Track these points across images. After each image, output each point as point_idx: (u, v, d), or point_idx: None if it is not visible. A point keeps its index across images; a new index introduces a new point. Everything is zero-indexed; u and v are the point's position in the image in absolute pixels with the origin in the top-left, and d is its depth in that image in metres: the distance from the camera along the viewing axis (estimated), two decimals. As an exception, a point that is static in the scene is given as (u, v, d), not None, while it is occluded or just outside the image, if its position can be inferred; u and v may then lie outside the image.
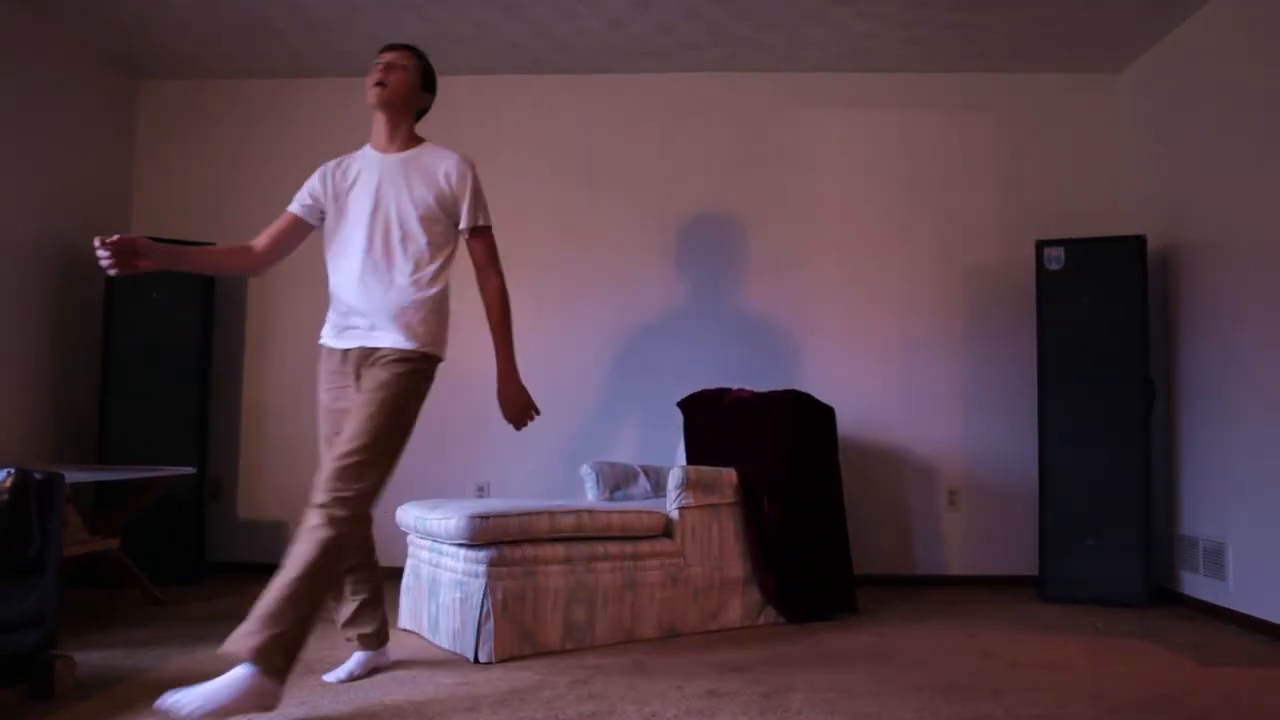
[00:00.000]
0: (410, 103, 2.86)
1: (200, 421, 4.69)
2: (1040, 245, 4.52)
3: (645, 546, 3.58)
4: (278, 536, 4.99)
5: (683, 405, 4.49)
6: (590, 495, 4.27)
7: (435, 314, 2.77)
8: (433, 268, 2.77)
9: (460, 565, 3.30)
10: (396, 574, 3.82)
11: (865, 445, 4.86)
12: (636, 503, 3.96)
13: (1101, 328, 4.37)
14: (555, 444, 4.85)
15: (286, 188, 5.17)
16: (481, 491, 4.91)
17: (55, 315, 4.59)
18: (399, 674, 2.96)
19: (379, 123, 2.86)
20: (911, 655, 3.26)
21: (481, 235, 2.87)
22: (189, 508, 4.61)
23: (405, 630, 3.62)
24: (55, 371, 4.59)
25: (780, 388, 4.33)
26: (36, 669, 2.60)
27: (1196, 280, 4.27)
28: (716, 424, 4.27)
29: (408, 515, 3.63)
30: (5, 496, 2.56)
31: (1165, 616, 4.02)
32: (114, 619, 3.73)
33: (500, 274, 2.90)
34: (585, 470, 4.30)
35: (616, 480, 4.29)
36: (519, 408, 2.87)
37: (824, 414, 4.14)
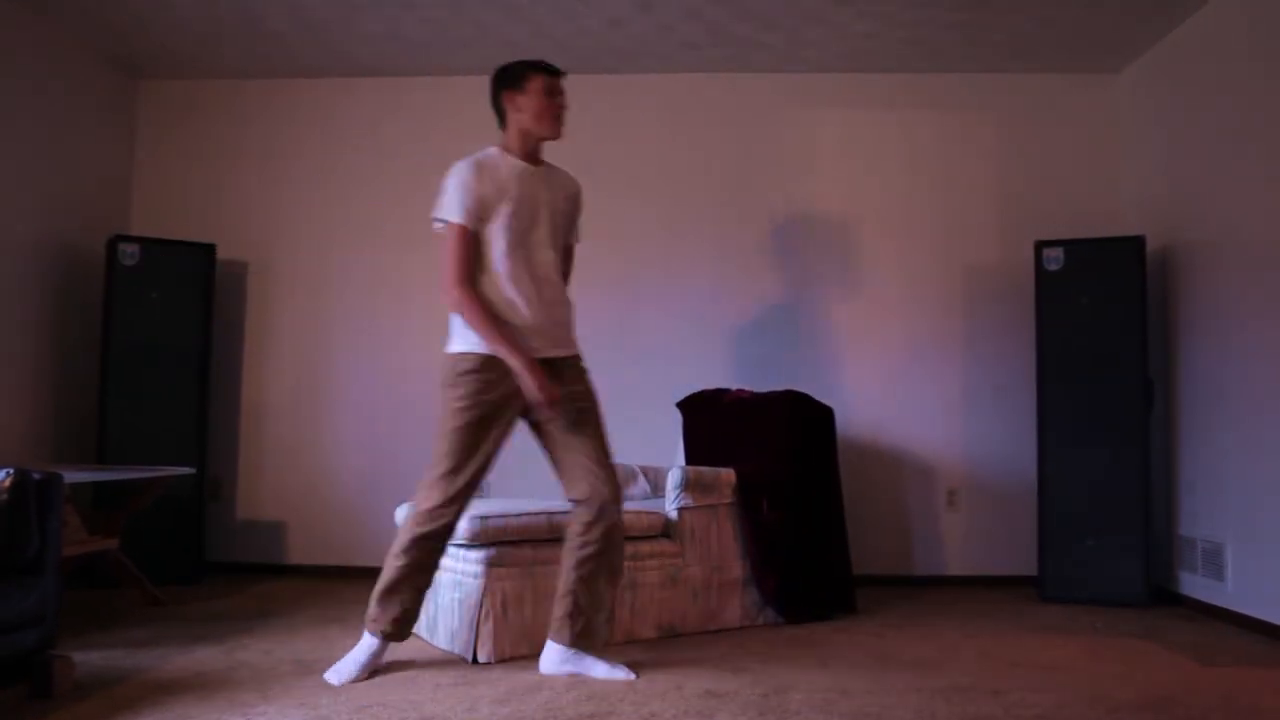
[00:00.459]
0: None
1: (199, 421, 4.69)
2: (1039, 245, 4.52)
3: (644, 547, 3.58)
4: (277, 537, 5.00)
5: (682, 405, 4.49)
6: (590, 495, 4.26)
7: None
8: None
9: (459, 565, 3.31)
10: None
11: (864, 445, 4.86)
12: (635, 503, 3.95)
13: (1101, 328, 4.37)
14: (555, 444, 4.86)
15: (286, 188, 5.25)
16: (480, 492, 4.91)
17: (55, 315, 4.59)
18: (398, 674, 2.96)
19: (538, 145, 3.01)
20: (910, 656, 3.25)
21: None
22: (188, 508, 4.61)
23: (404, 630, 3.62)
24: (54, 371, 4.59)
25: (779, 388, 4.32)
26: (36, 669, 2.60)
27: (1196, 280, 4.27)
28: (715, 424, 4.27)
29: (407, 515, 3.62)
30: (4, 496, 2.56)
31: (1164, 617, 4.02)
32: (113, 619, 3.73)
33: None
34: (585, 470, 4.29)
35: (616, 480, 4.28)
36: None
37: (823, 414, 4.14)
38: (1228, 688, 2.87)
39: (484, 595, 3.18)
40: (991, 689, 2.81)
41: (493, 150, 2.99)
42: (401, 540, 2.93)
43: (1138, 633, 3.68)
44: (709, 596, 3.70)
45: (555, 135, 2.99)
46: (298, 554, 4.97)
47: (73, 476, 3.24)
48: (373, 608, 2.92)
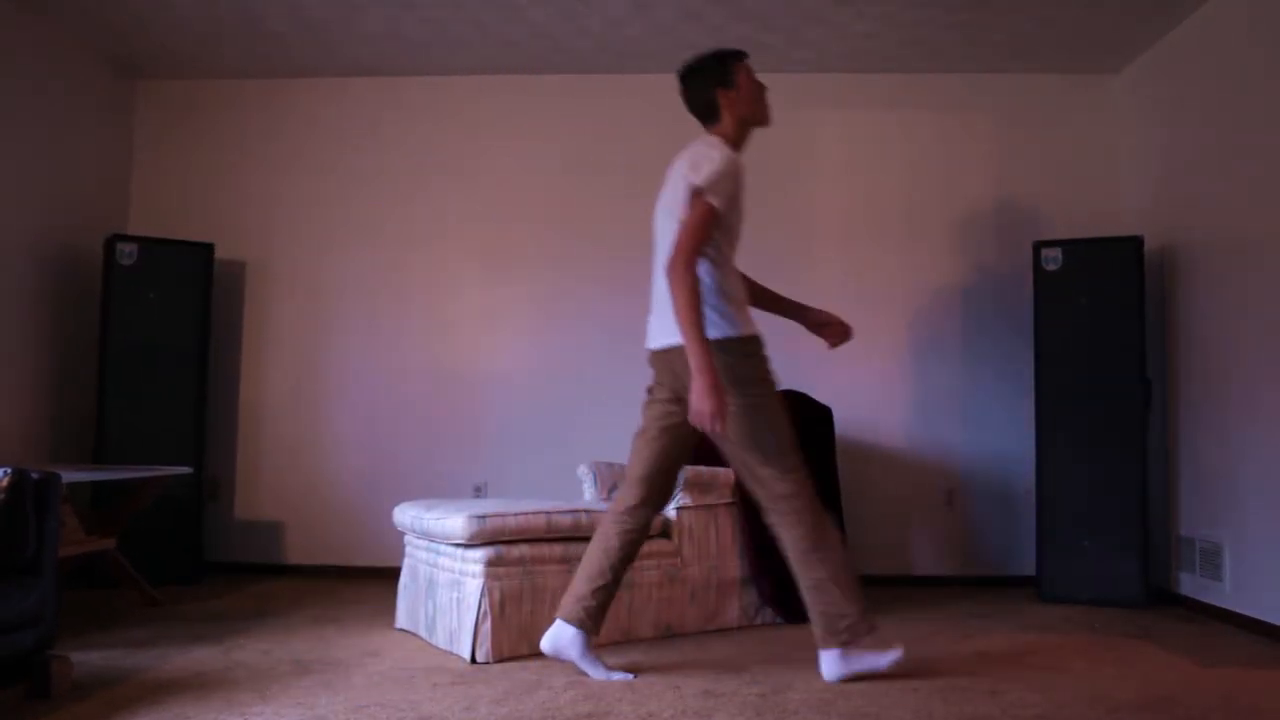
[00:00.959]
0: None
1: (198, 421, 4.69)
2: (1038, 245, 4.52)
3: (643, 546, 3.57)
4: (275, 536, 5.00)
5: (681, 405, 4.49)
6: (587, 495, 4.26)
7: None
8: None
9: (457, 565, 3.30)
10: (393, 574, 3.82)
11: (863, 445, 4.86)
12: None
13: (1099, 328, 4.37)
14: (552, 444, 4.86)
15: (285, 187, 5.24)
16: (479, 491, 4.92)
17: (53, 314, 4.59)
18: (396, 674, 2.96)
19: (747, 132, 3.10)
20: (909, 655, 3.25)
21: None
22: (187, 508, 4.61)
23: (402, 630, 3.62)
24: (52, 371, 4.59)
25: (778, 388, 4.31)
26: (34, 669, 2.60)
27: (1194, 280, 4.27)
28: (715, 424, 4.26)
29: (405, 515, 3.63)
30: (2, 496, 2.55)
31: (1162, 617, 4.02)
32: (112, 619, 3.73)
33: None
34: (582, 470, 4.30)
35: (614, 480, 4.28)
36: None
37: (821, 414, 4.13)
38: (1227, 688, 2.87)
39: (482, 595, 3.18)
40: (989, 689, 2.81)
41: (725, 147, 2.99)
42: (811, 538, 2.88)
43: (1136, 633, 3.68)
44: (707, 596, 3.70)
45: (770, 119, 3.05)
46: (296, 554, 4.97)
47: (71, 476, 3.24)
48: (848, 613, 2.84)
